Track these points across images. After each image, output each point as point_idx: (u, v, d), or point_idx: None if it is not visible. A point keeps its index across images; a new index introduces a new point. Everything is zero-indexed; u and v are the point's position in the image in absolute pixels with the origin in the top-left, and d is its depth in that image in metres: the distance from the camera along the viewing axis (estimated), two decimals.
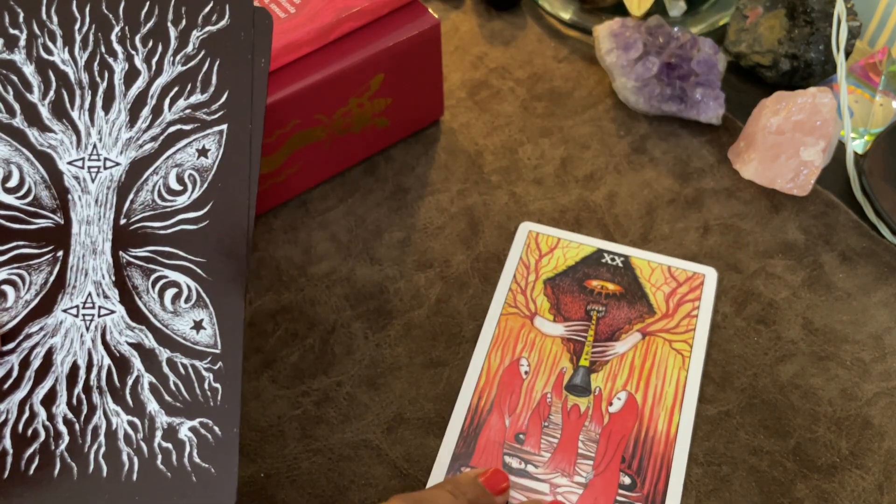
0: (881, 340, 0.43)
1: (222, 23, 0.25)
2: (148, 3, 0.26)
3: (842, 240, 0.47)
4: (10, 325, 0.25)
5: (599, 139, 0.52)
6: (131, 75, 0.26)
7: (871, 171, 0.49)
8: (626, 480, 0.38)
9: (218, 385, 0.27)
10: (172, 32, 0.25)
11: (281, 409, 0.41)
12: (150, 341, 0.26)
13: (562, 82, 0.55)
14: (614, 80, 0.53)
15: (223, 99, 0.26)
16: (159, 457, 0.26)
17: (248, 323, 0.44)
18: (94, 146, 0.26)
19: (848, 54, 0.52)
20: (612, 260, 0.45)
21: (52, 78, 0.26)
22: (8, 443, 0.25)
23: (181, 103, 0.26)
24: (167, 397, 0.27)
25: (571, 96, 0.54)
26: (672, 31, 0.53)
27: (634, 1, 0.58)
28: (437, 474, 0.38)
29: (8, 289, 0.26)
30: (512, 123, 0.53)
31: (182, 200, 0.26)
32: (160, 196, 0.26)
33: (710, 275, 0.45)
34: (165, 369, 0.26)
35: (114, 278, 0.26)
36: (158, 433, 0.26)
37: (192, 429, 0.27)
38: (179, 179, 0.26)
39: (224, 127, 0.26)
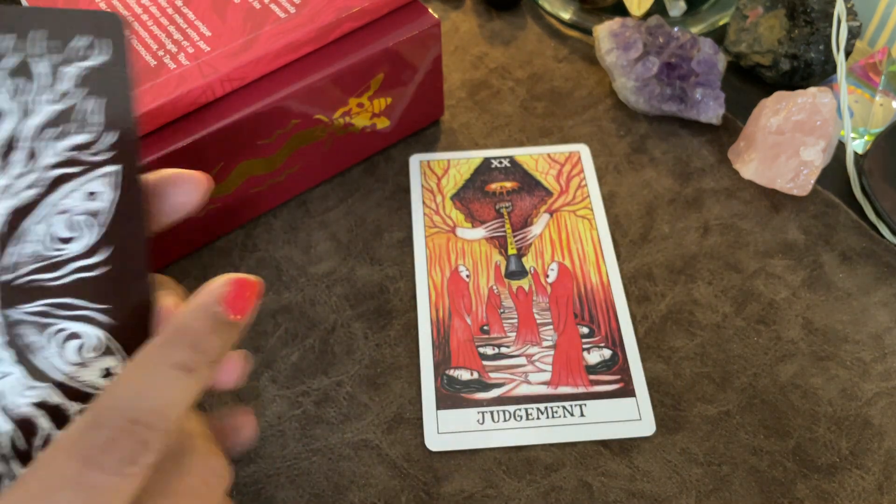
0: (881, 340, 0.43)
1: (100, 58, 0.23)
2: (10, 38, 0.23)
3: (842, 240, 0.47)
4: None
5: (599, 139, 0.52)
6: None
7: (871, 171, 0.49)
8: (585, 330, 0.43)
9: None
10: (42, 68, 0.23)
11: (281, 409, 0.41)
12: (55, 397, 0.24)
13: (562, 82, 0.55)
14: (614, 80, 0.53)
15: (110, 139, 0.23)
16: None
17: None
18: None
19: (848, 54, 0.52)
20: (500, 163, 0.51)
21: None
22: None
23: (62, 145, 0.23)
24: None
25: (571, 96, 0.54)
26: (672, 31, 0.53)
27: (634, 1, 0.58)
28: (427, 384, 0.42)
29: None
30: (512, 123, 0.53)
31: (75, 248, 0.24)
32: (48, 246, 0.24)
33: (584, 150, 0.51)
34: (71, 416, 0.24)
35: (6, 338, 0.24)
36: None
37: None
38: (70, 226, 0.24)
39: (118, 167, 0.24)
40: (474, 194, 0.49)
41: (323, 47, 0.45)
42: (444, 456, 0.39)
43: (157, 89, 0.41)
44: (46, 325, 0.24)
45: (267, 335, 0.44)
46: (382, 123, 0.49)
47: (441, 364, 0.42)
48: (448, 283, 0.45)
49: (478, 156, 0.51)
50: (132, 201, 0.24)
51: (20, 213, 0.24)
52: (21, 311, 0.24)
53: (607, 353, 0.42)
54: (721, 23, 0.57)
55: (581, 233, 0.47)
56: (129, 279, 0.24)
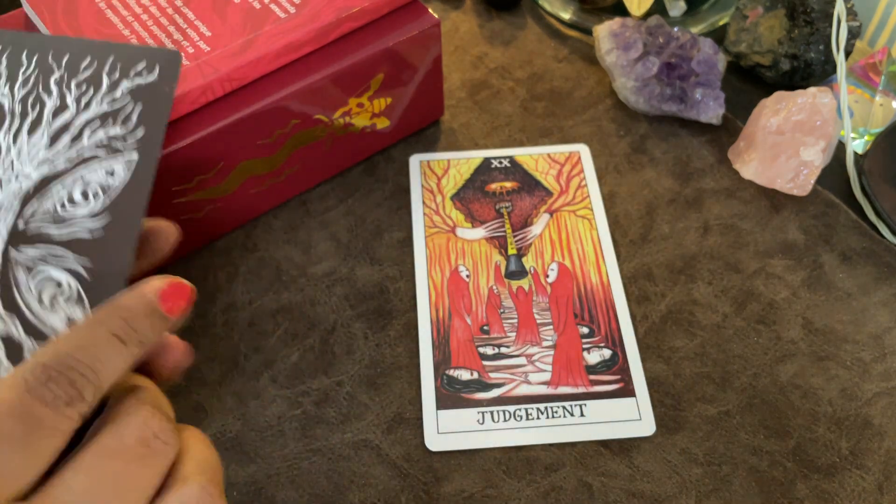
0: (881, 340, 0.43)
1: (151, 78, 0.29)
2: (88, 57, 0.30)
3: (842, 240, 0.47)
4: None
5: (599, 139, 0.52)
6: (60, 109, 0.29)
7: (871, 171, 0.49)
8: (585, 330, 0.43)
9: None
10: (105, 81, 0.30)
11: (281, 409, 0.41)
12: (18, 333, 0.28)
13: (562, 82, 0.55)
14: (614, 80, 0.53)
15: (140, 135, 0.29)
16: None
17: (248, 323, 0.44)
18: (12, 162, 0.29)
19: (848, 54, 0.52)
20: (500, 163, 0.50)
21: None
22: None
23: (100, 134, 0.29)
24: None
25: (571, 96, 0.54)
26: (672, 31, 0.53)
27: (634, 1, 0.58)
28: (427, 384, 0.42)
29: None
30: (512, 123, 0.53)
31: (82, 211, 0.28)
32: (62, 206, 0.29)
33: (584, 150, 0.51)
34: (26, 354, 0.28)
35: (1, 270, 0.28)
36: None
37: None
38: (84, 194, 0.29)
39: (135, 156, 0.29)
40: (474, 194, 0.49)
41: (323, 47, 0.45)
42: (444, 456, 0.39)
43: None
44: (34, 268, 0.28)
45: (267, 335, 0.44)
46: (382, 123, 0.49)
47: (441, 364, 0.42)
48: (448, 283, 0.45)
49: (478, 156, 0.51)
50: (140, 187, 0.29)
51: (49, 179, 0.29)
52: (21, 252, 0.28)
53: (607, 353, 0.42)
54: (721, 23, 0.57)
55: (581, 233, 0.47)
56: (117, 249, 0.28)
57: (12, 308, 0.28)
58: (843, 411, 0.40)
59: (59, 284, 0.28)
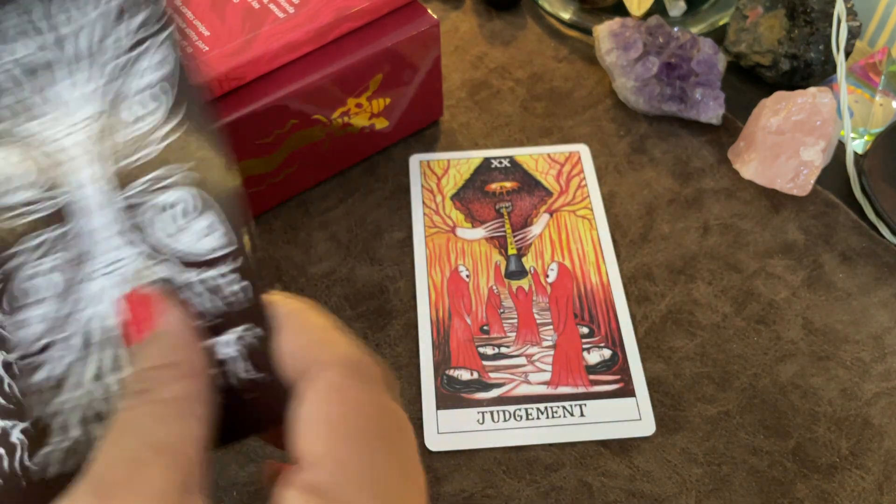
0: (881, 340, 0.43)
1: None
2: None
3: (842, 240, 0.47)
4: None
5: (599, 139, 0.52)
6: (82, 31, 0.27)
7: (871, 171, 0.49)
8: (585, 330, 0.43)
9: (244, 282, 0.26)
10: None
11: None
12: (172, 270, 0.26)
13: (562, 82, 0.55)
14: (614, 80, 0.53)
15: (162, 5, 0.26)
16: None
17: None
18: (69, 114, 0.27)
19: (848, 54, 0.52)
20: (500, 163, 0.51)
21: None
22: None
23: (128, 27, 0.26)
24: (202, 319, 0.27)
25: (571, 96, 0.54)
26: (672, 31, 0.53)
27: (634, 1, 0.58)
28: (427, 384, 0.42)
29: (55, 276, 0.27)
30: (512, 123, 0.53)
31: (159, 116, 0.26)
32: (137, 124, 0.26)
33: (584, 150, 0.51)
34: (196, 290, 0.26)
35: (124, 226, 0.26)
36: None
37: (238, 338, 0.27)
38: (152, 97, 0.26)
39: (170, 29, 0.26)
40: (474, 194, 0.49)
41: (322, 47, 0.45)
42: (444, 456, 0.39)
43: None
44: (149, 202, 0.26)
45: None
46: (381, 124, 0.49)
47: (441, 364, 0.42)
48: (448, 283, 0.45)
49: (478, 156, 0.51)
50: (187, 55, 0.26)
51: (113, 104, 0.26)
52: (130, 193, 0.26)
53: (607, 353, 0.42)
54: (721, 23, 0.57)
55: (581, 233, 0.47)
56: (204, 130, 0.26)
57: (157, 254, 0.26)
58: (843, 411, 0.40)
59: (180, 202, 0.26)
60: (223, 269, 0.26)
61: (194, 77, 0.27)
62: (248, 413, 0.27)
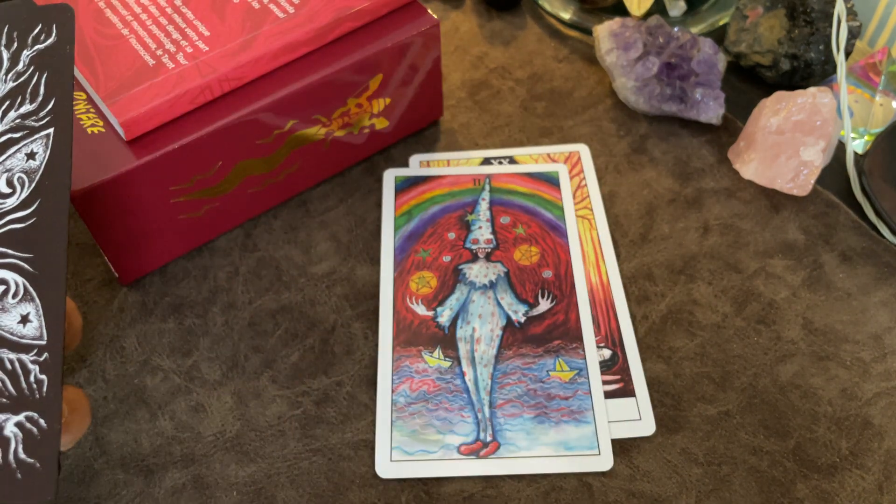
0: (881, 340, 0.43)
1: (49, 41, 0.28)
2: None
3: (842, 240, 0.47)
4: None
5: (599, 139, 0.52)
6: None
7: (871, 171, 0.49)
8: None
9: (43, 377, 0.28)
10: (5, 54, 0.28)
11: (281, 409, 0.41)
12: None
13: (562, 82, 0.55)
14: (614, 80, 0.53)
15: (50, 106, 0.28)
16: None
17: (248, 323, 0.44)
18: None
19: (848, 54, 0.52)
20: (500, 163, 0.50)
21: None
22: None
23: (12, 115, 0.28)
24: None
25: (571, 96, 0.54)
26: (672, 31, 0.53)
27: (634, 1, 0.58)
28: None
29: None
30: (512, 123, 0.53)
31: (11, 202, 0.28)
32: None
33: (584, 150, 0.51)
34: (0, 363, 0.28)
35: None
36: None
37: (18, 424, 0.28)
38: (9, 183, 0.28)
39: (51, 130, 0.28)
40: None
41: (322, 47, 0.45)
42: None
43: (155, 89, 0.41)
44: None
45: (267, 335, 0.44)
46: (381, 124, 0.49)
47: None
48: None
49: (478, 156, 0.51)
50: (62, 160, 0.28)
51: None
52: None
53: (607, 353, 0.42)
54: (721, 23, 0.57)
55: (581, 233, 0.47)
56: (53, 230, 0.28)
57: None
58: (843, 411, 0.40)
59: (5, 283, 0.28)
60: (27, 357, 0.28)
61: (61, 181, 0.28)
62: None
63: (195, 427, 0.41)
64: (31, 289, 0.28)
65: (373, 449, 0.40)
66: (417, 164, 0.50)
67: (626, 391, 0.41)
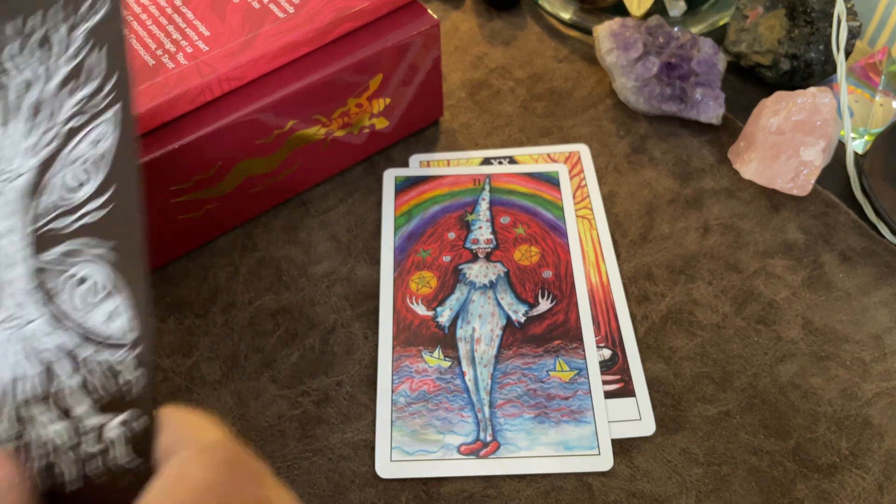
0: (881, 340, 0.43)
1: (103, 10, 0.26)
2: (32, 14, 0.27)
3: (842, 240, 0.47)
4: None
5: (599, 139, 0.52)
6: (26, 86, 0.27)
7: (871, 171, 0.49)
8: None
9: (141, 370, 0.27)
10: (61, 34, 0.26)
11: (281, 409, 0.41)
12: (72, 340, 0.27)
13: (562, 82, 0.55)
14: (614, 80, 0.53)
15: (112, 81, 0.26)
16: (96, 460, 0.26)
17: (248, 323, 0.44)
18: None
19: (848, 54, 0.52)
20: (500, 163, 0.50)
21: None
22: None
23: (75, 97, 0.26)
24: (92, 396, 0.27)
25: (571, 96, 0.54)
26: (672, 31, 0.53)
27: (634, 1, 0.58)
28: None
29: None
30: (512, 123, 0.53)
31: (85, 191, 0.27)
32: (63, 195, 0.27)
33: (584, 150, 0.51)
34: (91, 366, 0.27)
35: (32, 285, 0.27)
36: (92, 434, 0.27)
37: (122, 423, 0.27)
38: (82, 171, 0.27)
39: (117, 107, 0.26)
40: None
41: (322, 47, 0.45)
42: None
43: (155, 89, 0.41)
44: (63, 271, 0.26)
45: (267, 335, 0.44)
46: (381, 124, 0.49)
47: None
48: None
49: (478, 156, 0.51)
50: (129, 138, 0.26)
51: (43, 167, 0.27)
52: (44, 259, 0.26)
53: (607, 353, 0.42)
54: (721, 23, 0.57)
55: (581, 233, 0.47)
56: (127, 216, 0.27)
57: (59, 321, 0.27)
58: (843, 411, 0.40)
59: (89, 280, 0.27)
60: (122, 354, 0.27)
61: (132, 160, 0.27)
62: (122, 496, 0.27)
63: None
64: (115, 280, 0.27)
65: (373, 449, 0.40)
66: (417, 164, 0.50)
67: (626, 391, 0.41)
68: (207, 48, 0.43)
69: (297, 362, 0.43)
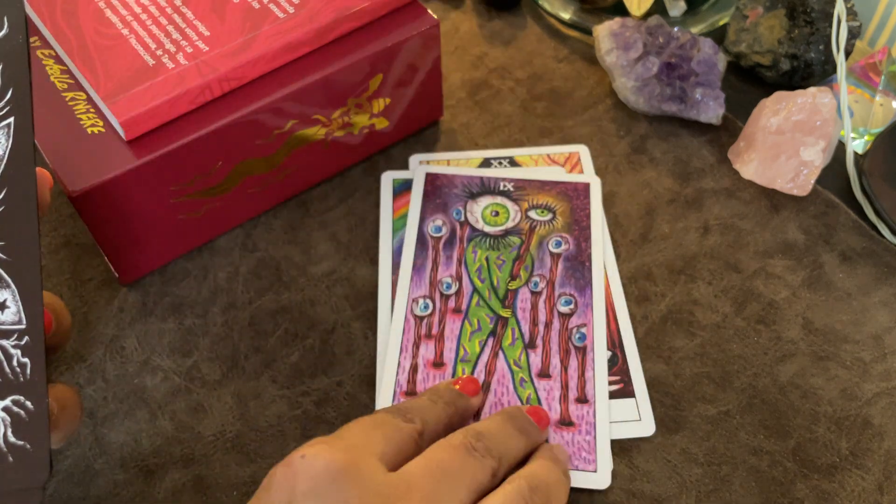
0: (881, 340, 0.43)
1: (1, 32, 0.29)
2: None
3: (842, 240, 0.47)
4: None
5: (599, 139, 0.52)
6: None
7: (871, 171, 0.49)
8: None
9: (26, 360, 0.28)
10: None
11: (281, 409, 0.41)
12: None
13: (562, 82, 0.55)
14: (614, 80, 0.53)
15: (8, 96, 0.29)
16: None
17: (248, 323, 0.44)
18: None
19: (848, 54, 0.52)
20: (500, 163, 0.50)
21: None
22: None
23: None
24: None
25: (571, 96, 0.54)
26: (672, 31, 0.53)
27: (634, 1, 0.58)
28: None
29: None
30: (512, 123, 0.53)
31: None
32: None
33: (584, 150, 0.51)
34: None
35: None
36: None
37: (4, 408, 0.28)
38: None
39: (11, 120, 0.29)
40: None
41: (322, 47, 0.45)
42: None
43: (155, 89, 0.41)
44: None
45: (267, 335, 0.44)
46: (381, 124, 0.49)
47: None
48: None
49: (478, 156, 0.51)
50: (24, 149, 0.29)
51: None
52: None
53: (607, 353, 0.42)
54: (721, 23, 0.57)
55: None
56: (21, 216, 0.28)
57: None
58: (843, 411, 0.40)
59: None
60: (7, 342, 0.28)
61: (26, 169, 0.29)
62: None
63: (195, 427, 0.41)
64: (4, 275, 0.28)
65: None
66: (417, 165, 0.50)
67: (626, 391, 0.41)
68: (207, 48, 0.43)
69: (297, 362, 0.43)
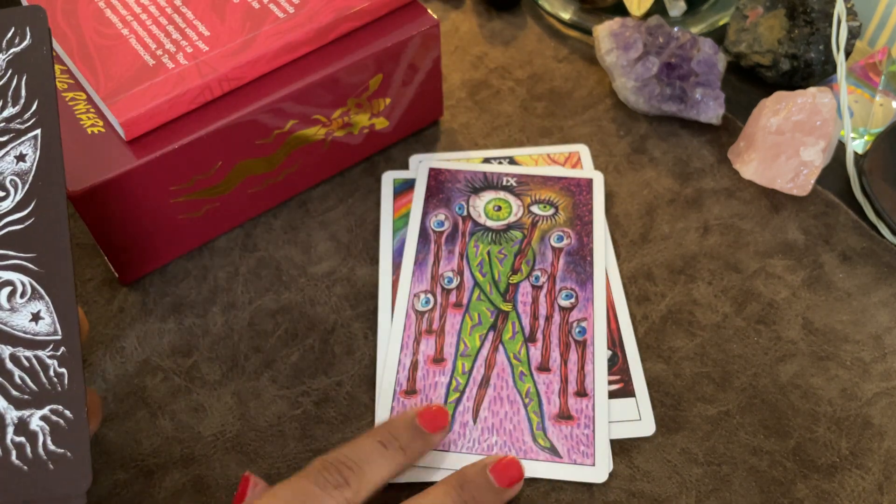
0: (881, 340, 0.43)
1: (25, 43, 0.29)
2: None
3: (842, 240, 0.47)
4: None
5: (599, 139, 0.52)
6: None
7: (871, 171, 0.49)
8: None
9: (63, 370, 0.28)
10: None
11: (281, 409, 0.41)
12: None
13: (562, 82, 0.55)
14: (614, 80, 0.53)
15: (34, 107, 0.29)
16: (13, 452, 0.28)
17: (248, 323, 0.44)
18: None
19: (848, 54, 0.52)
20: (500, 163, 0.50)
21: None
22: None
23: (1, 115, 0.29)
24: (14, 392, 0.28)
25: (571, 96, 0.54)
26: (672, 31, 0.53)
27: (634, 1, 0.58)
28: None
29: None
30: (512, 123, 0.53)
31: (6, 205, 0.28)
32: None
33: (584, 150, 0.51)
34: (9, 366, 0.28)
35: None
36: (10, 429, 0.28)
37: (43, 417, 0.28)
38: (1, 186, 0.29)
39: (38, 131, 0.29)
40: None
41: (321, 47, 0.45)
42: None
43: (155, 89, 0.41)
44: None
45: (267, 335, 0.44)
46: (381, 124, 0.49)
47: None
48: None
49: (478, 156, 0.51)
50: (53, 160, 0.29)
51: None
52: None
53: (607, 353, 0.42)
54: (721, 23, 0.57)
55: None
56: (52, 228, 0.28)
57: None
58: (843, 411, 0.40)
59: (11, 285, 0.28)
60: (43, 353, 0.28)
61: (56, 180, 0.29)
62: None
63: (195, 427, 0.41)
64: (38, 287, 0.28)
65: None
66: (417, 165, 0.50)
67: (626, 391, 0.41)
68: (207, 48, 0.43)
69: (297, 362, 0.43)
